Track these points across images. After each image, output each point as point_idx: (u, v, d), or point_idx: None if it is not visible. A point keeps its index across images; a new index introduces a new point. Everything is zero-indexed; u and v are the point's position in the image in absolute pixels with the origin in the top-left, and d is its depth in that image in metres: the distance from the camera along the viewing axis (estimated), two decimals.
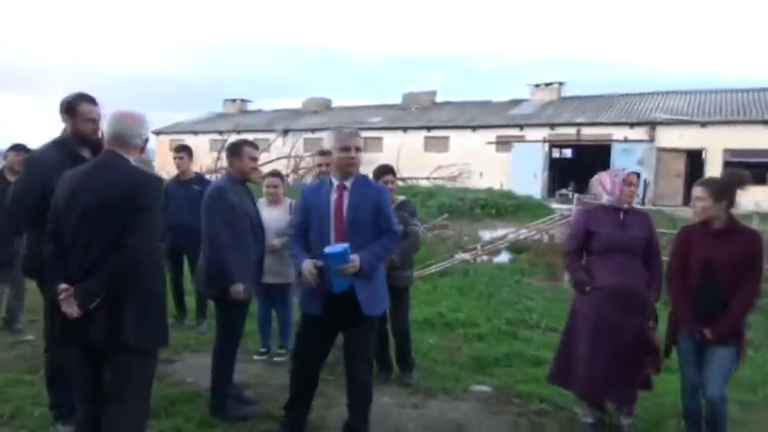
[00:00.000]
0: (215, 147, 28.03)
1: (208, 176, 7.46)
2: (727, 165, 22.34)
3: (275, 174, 5.05)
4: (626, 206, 3.68)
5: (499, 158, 26.26)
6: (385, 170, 4.41)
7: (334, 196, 3.20)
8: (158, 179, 2.72)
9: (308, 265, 3.13)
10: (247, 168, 3.77)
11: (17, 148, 5.06)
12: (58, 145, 3.20)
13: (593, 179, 3.89)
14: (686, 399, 3.44)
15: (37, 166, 3.11)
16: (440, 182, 25.06)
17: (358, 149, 3.20)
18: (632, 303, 3.54)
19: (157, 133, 35.21)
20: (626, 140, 23.87)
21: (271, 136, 29.03)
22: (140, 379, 2.62)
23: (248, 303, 3.79)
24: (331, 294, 3.14)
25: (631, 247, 3.60)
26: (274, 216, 4.58)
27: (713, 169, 22.48)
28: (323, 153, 4.56)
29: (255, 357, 4.84)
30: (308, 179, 18.97)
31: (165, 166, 22.29)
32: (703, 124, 22.90)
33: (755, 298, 3.36)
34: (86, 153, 3.16)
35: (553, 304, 7.48)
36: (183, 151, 5.65)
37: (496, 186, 22.86)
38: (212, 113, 38.96)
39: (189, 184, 5.51)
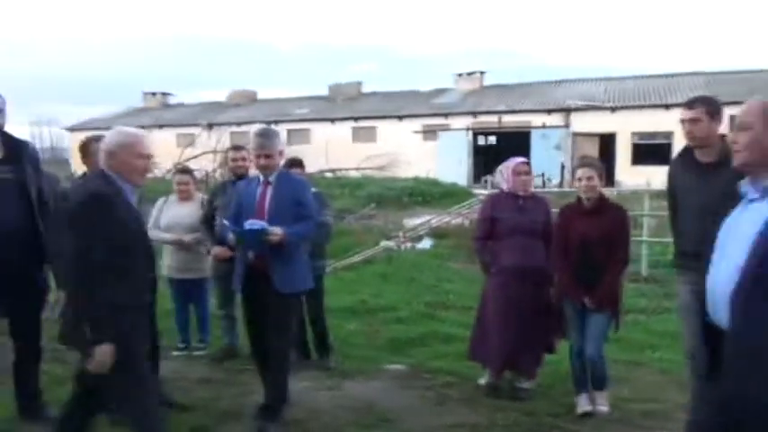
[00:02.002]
0: None
1: None
2: (634, 147, 23.90)
3: (185, 170, 5.07)
4: (521, 193, 4.03)
5: (426, 147, 26.80)
6: (292, 163, 4.55)
7: (259, 190, 3.50)
8: None
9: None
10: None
11: None
12: None
13: (497, 169, 4.25)
14: (572, 360, 3.80)
15: None
16: (369, 172, 25.29)
17: (269, 156, 3.45)
18: (533, 278, 3.93)
19: (71, 130, 33.46)
20: (544, 127, 24.95)
21: (195, 130, 28.27)
22: None
23: None
24: (248, 270, 3.45)
25: (530, 228, 3.97)
26: (185, 212, 4.62)
27: (623, 151, 23.99)
28: (236, 148, 4.68)
29: (174, 353, 4.88)
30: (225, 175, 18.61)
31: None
32: (613, 109, 24.28)
33: (624, 267, 3.77)
34: None
35: (471, 285, 7.83)
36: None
37: (424, 175, 23.34)
38: (131, 108, 37.42)
39: None
